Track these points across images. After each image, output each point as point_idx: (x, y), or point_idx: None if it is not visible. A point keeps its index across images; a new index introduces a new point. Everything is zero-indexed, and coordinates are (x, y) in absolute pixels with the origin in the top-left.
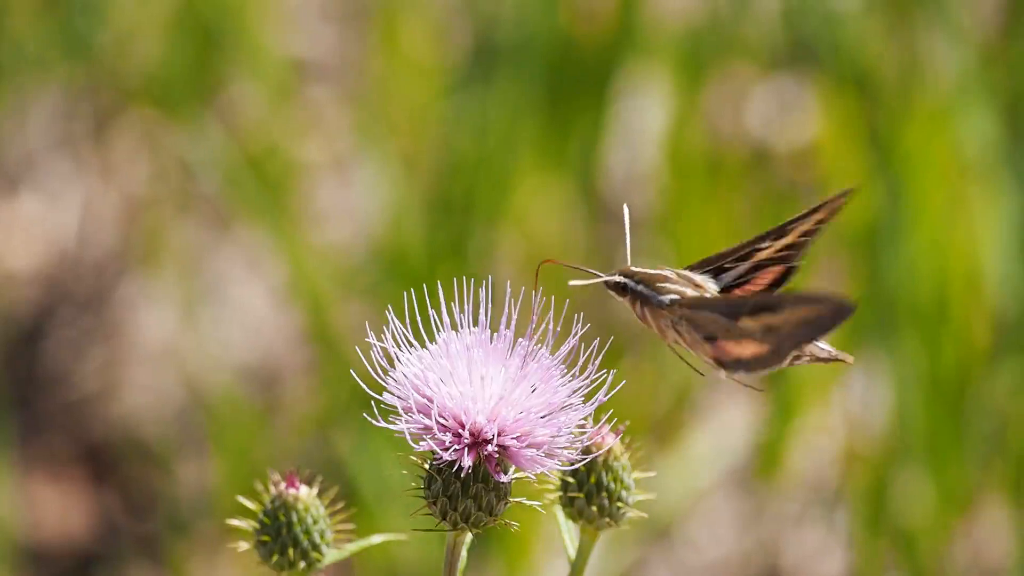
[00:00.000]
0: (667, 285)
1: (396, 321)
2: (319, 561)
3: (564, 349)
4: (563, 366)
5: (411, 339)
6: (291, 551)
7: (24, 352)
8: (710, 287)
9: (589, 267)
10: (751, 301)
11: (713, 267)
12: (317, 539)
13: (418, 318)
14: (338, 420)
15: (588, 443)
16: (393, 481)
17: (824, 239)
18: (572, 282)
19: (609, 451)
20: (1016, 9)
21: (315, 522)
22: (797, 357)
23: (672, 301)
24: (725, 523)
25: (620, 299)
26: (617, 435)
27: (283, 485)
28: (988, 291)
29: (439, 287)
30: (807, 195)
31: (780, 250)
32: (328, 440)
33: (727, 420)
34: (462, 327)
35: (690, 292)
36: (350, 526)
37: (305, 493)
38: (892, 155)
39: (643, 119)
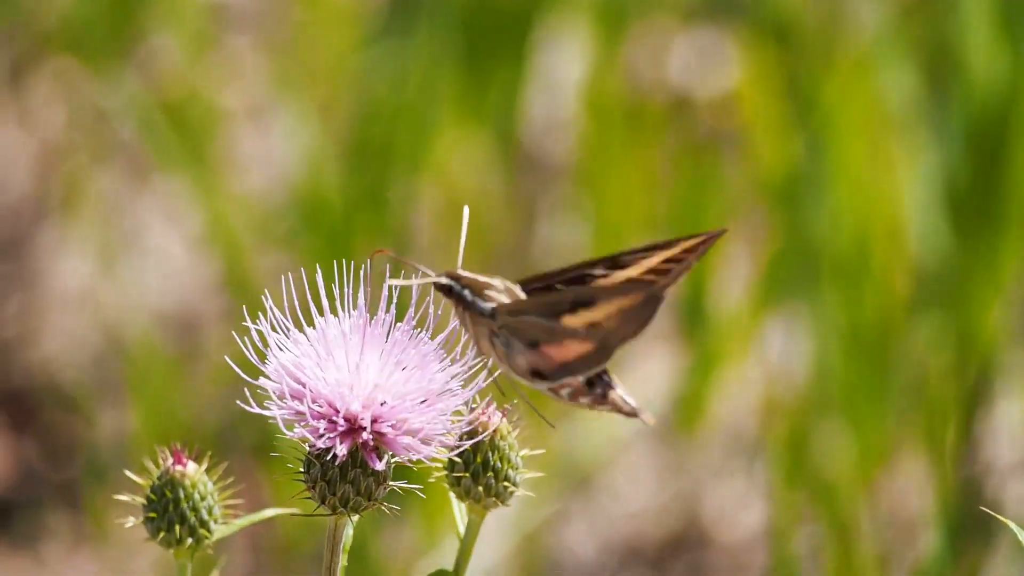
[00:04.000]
0: (492, 293)
1: (274, 308)
2: (207, 538)
3: (445, 333)
4: (443, 351)
5: (288, 325)
6: (178, 528)
7: None
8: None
9: (510, 217)
10: (568, 297)
11: (546, 288)
12: (205, 516)
13: (296, 302)
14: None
15: (470, 427)
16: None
17: (743, 190)
18: (390, 281)
19: (496, 431)
20: None
21: (203, 498)
22: (599, 403)
23: (493, 309)
24: (645, 474)
25: (446, 300)
26: (504, 414)
27: (170, 461)
28: (908, 243)
29: (318, 271)
30: (727, 144)
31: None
32: (243, 390)
33: (647, 371)
34: (342, 311)
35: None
36: (241, 500)
37: (192, 469)
38: (813, 106)
39: (563, 69)
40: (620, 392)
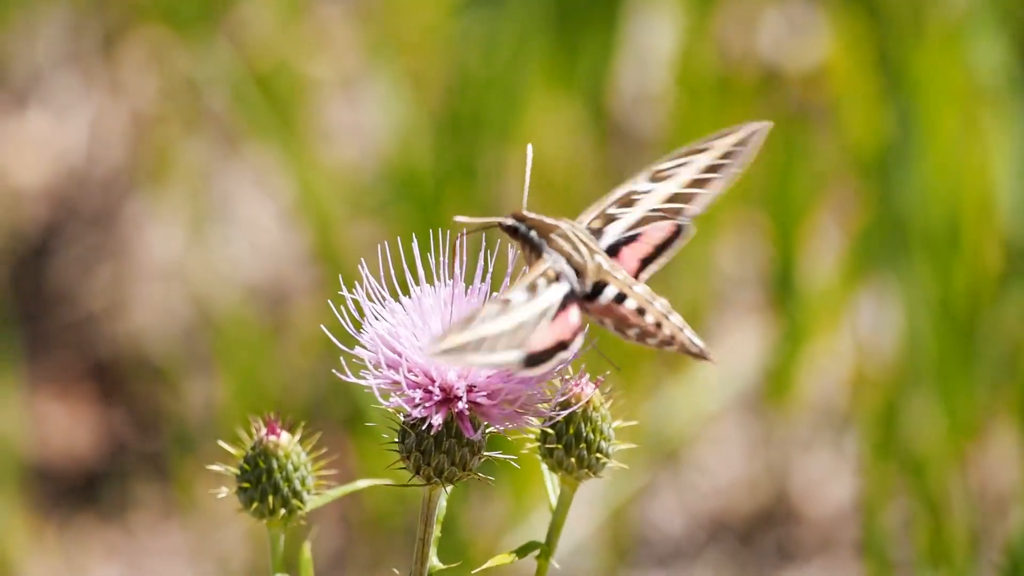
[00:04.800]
0: (556, 238)
1: (370, 276)
2: (299, 508)
3: None
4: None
5: (384, 293)
6: (271, 499)
7: (32, 269)
8: (599, 247)
9: (598, 187)
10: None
11: (599, 215)
12: (298, 486)
13: (392, 272)
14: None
15: (564, 397)
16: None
17: (833, 162)
18: (457, 217)
19: (589, 402)
20: None
21: (295, 469)
22: (667, 344)
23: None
24: (734, 448)
25: (512, 243)
26: (597, 384)
27: (264, 431)
28: (999, 216)
29: (413, 240)
30: (818, 117)
31: (668, 200)
32: (335, 361)
33: (737, 344)
34: (438, 280)
35: (576, 257)
36: (335, 471)
37: (286, 439)
38: (903, 78)
39: (653, 39)
40: (688, 333)
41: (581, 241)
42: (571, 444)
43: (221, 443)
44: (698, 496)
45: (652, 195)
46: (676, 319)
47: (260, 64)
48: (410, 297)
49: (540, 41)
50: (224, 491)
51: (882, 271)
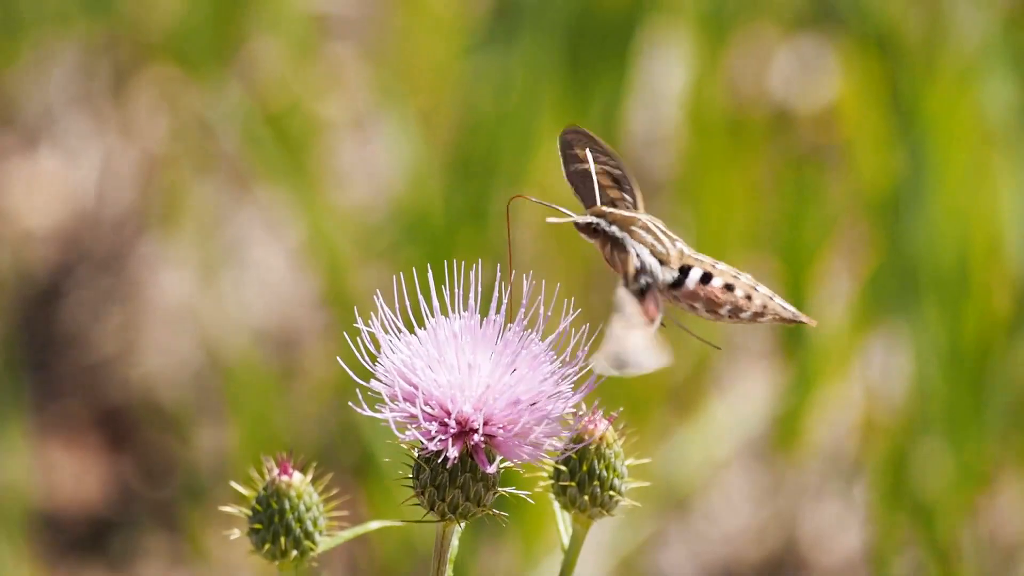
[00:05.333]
0: (638, 230)
1: (385, 307)
2: (312, 550)
3: (555, 335)
4: (553, 352)
5: (400, 325)
6: (283, 539)
7: (41, 312)
8: (677, 235)
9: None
10: None
11: None
12: (310, 527)
13: (407, 303)
14: (355, 386)
15: (579, 432)
16: (397, 456)
17: (844, 203)
18: (549, 219)
19: (602, 438)
20: None
21: (308, 509)
22: (760, 315)
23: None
24: (743, 495)
25: (591, 240)
26: (610, 421)
27: (276, 472)
28: (1010, 260)
29: (428, 271)
30: (829, 157)
31: None
32: (345, 406)
33: (746, 390)
34: (452, 312)
35: (659, 247)
36: (346, 512)
37: (298, 480)
38: (915, 119)
39: (665, 79)
40: (779, 301)
41: (660, 231)
42: (584, 481)
43: (233, 484)
44: (707, 544)
45: None
46: (764, 289)
47: (271, 105)
48: (424, 329)
49: (551, 82)
50: (236, 532)
51: (892, 316)
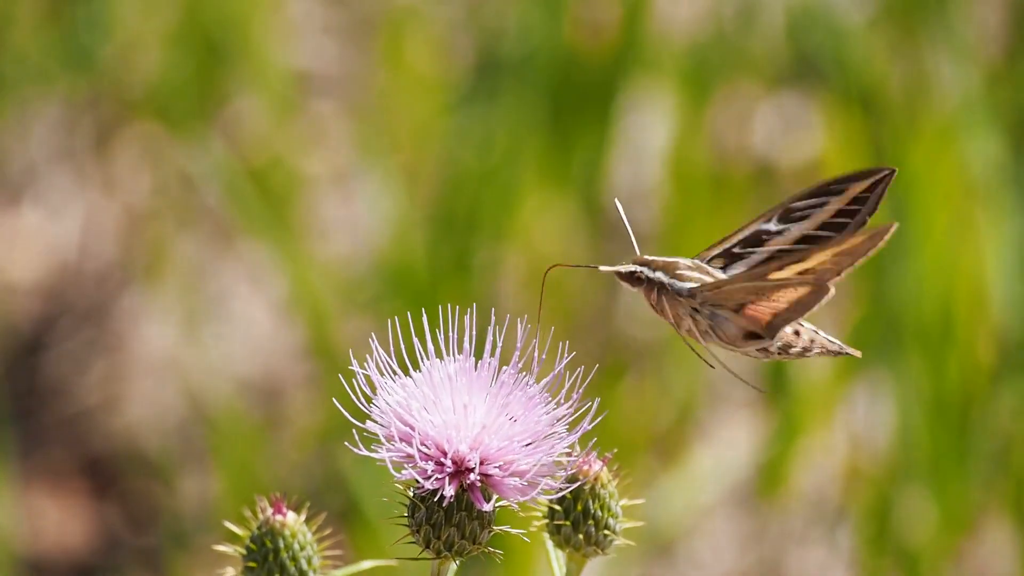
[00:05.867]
0: (683, 272)
1: (380, 349)
2: None
3: (551, 376)
4: (548, 394)
5: (395, 367)
6: None
7: (25, 364)
8: (720, 276)
9: (593, 284)
10: (780, 260)
11: (722, 253)
12: (304, 565)
13: (402, 346)
14: (339, 434)
15: (573, 471)
16: (393, 495)
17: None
18: (603, 268)
19: (596, 478)
20: (1022, 27)
21: (302, 548)
22: (807, 350)
23: (692, 289)
24: (728, 541)
25: (633, 289)
26: (604, 462)
27: (270, 511)
28: (992, 311)
29: (423, 314)
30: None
31: (798, 241)
32: (329, 454)
33: (730, 437)
34: (447, 355)
35: (707, 279)
36: (339, 552)
37: (292, 519)
38: (897, 174)
39: (647, 135)
40: (824, 335)
41: (706, 272)
42: (579, 521)
43: (226, 523)
44: None
45: (784, 236)
46: (809, 325)
47: (253, 160)
48: (419, 372)
49: (534, 137)
50: (231, 571)
51: (876, 365)
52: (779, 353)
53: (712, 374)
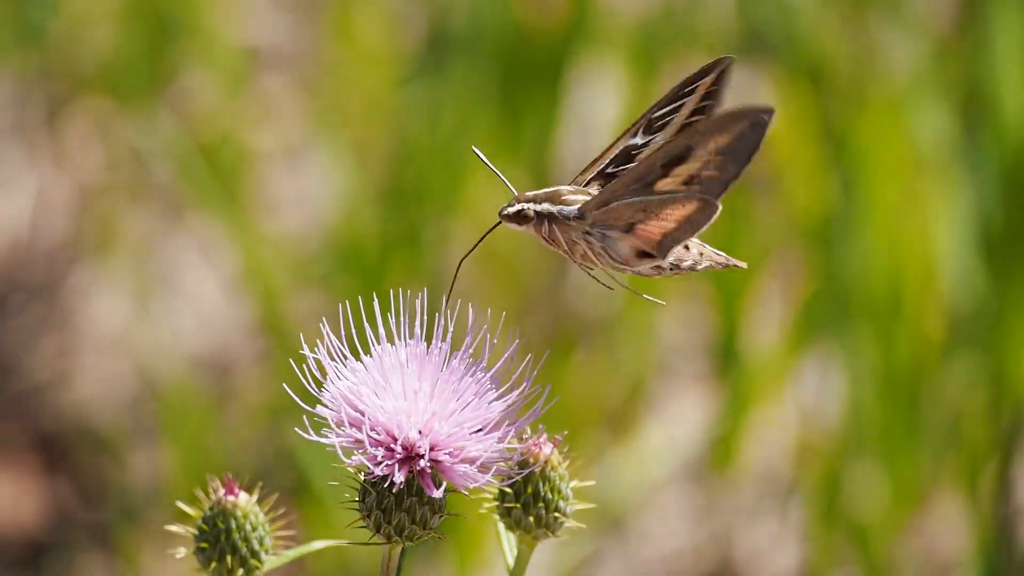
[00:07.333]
0: (568, 197)
1: (331, 335)
2: (258, 568)
3: (500, 362)
4: (499, 379)
5: (345, 352)
6: (229, 558)
7: None
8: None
9: (543, 257)
10: (658, 158)
11: (596, 176)
12: (256, 546)
13: (352, 331)
14: (291, 411)
15: (524, 456)
16: (343, 480)
17: (777, 231)
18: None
19: (547, 461)
20: (970, 1)
21: (254, 529)
22: (697, 264)
23: (579, 210)
24: (678, 516)
25: (521, 227)
26: (555, 444)
27: (222, 491)
28: (942, 285)
29: (374, 298)
30: (761, 186)
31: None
32: (280, 430)
33: (681, 412)
34: (398, 339)
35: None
36: (292, 532)
37: (244, 500)
38: (846, 148)
39: (596, 109)
40: (709, 248)
41: (588, 196)
42: (529, 503)
43: (179, 504)
44: (644, 564)
45: (651, 147)
46: (696, 239)
47: (204, 135)
48: (371, 356)
49: (484, 111)
50: (182, 551)
51: (825, 340)
52: (671, 269)
53: (662, 349)
